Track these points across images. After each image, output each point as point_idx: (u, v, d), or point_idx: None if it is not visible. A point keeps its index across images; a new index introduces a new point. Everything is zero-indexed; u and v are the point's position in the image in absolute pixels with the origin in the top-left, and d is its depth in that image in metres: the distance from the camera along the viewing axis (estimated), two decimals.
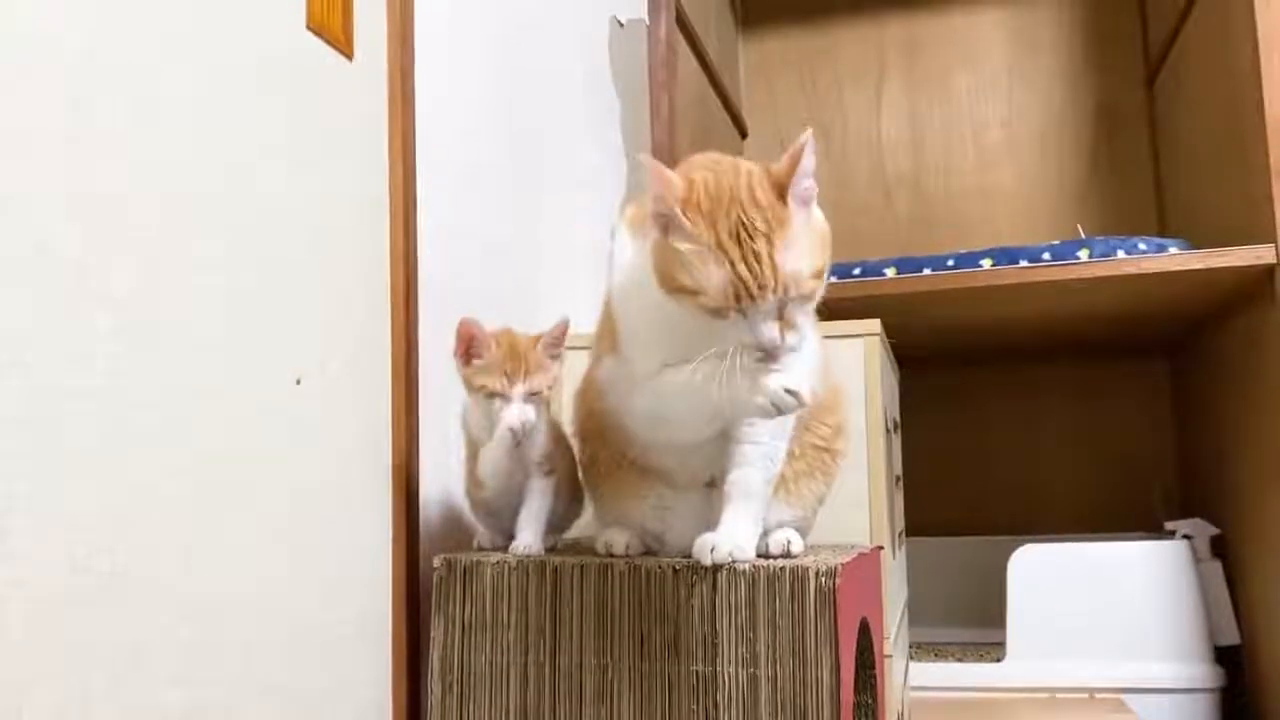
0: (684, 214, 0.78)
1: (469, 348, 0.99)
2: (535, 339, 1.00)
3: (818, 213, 0.83)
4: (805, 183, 0.80)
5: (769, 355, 0.79)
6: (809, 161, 0.80)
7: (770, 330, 0.78)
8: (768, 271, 0.77)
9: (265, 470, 0.84)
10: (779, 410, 0.80)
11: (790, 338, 0.79)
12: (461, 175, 1.23)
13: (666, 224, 0.79)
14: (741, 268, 0.76)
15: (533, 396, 0.97)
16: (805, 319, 0.81)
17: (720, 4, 2.56)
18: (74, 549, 0.65)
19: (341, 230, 0.96)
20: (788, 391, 0.79)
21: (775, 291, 0.77)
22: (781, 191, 0.79)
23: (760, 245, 0.77)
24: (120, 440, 0.69)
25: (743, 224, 0.77)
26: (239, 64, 0.83)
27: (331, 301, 0.94)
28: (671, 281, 0.80)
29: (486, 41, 1.34)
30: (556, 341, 1.02)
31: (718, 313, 0.78)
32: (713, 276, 0.77)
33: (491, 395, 0.97)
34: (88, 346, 0.67)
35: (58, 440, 0.65)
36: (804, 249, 0.79)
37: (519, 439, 0.97)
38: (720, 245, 0.77)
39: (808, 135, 0.80)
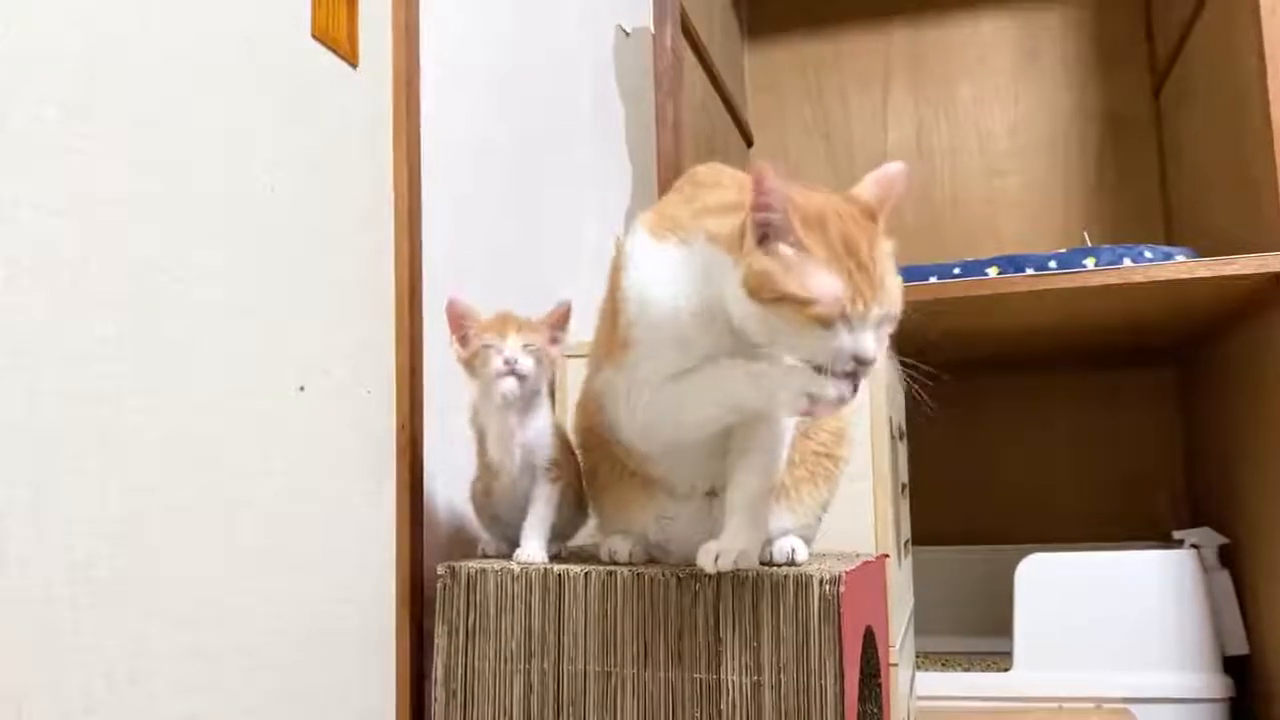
0: (799, 225, 0.76)
1: (461, 326, 1.00)
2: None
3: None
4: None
5: (860, 368, 0.78)
6: (899, 192, 0.81)
7: (869, 341, 0.77)
8: (877, 281, 0.77)
9: (268, 476, 0.84)
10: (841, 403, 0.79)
11: (880, 354, 0.79)
12: (466, 182, 1.23)
13: (769, 234, 0.77)
14: (858, 277, 0.76)
15: (527, 348, 0.97)
16: (887, 341, 0.81)
17: (725, 12, 2.56)
18: (74, 554, 0.65)
19: (346, 236, 0.96)
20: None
21: (881, 304, 0.77)
22: (872, 215, 0.80)
23: (866, 257, 0.77)
24: (121, 445, 0.69)
25: (847, 238, 0.77)
26: (243, 71, 0.83)
27: (335, 307, 0.94)
28: (774, 290, 0.76)
29: (491, 49, 1.34)
30: (559, 322, 1.02)
31: (826, 321, 0.76)
32: (827, 285, 0.76)
33: (486, 349, 0.97)
34: (88, 351, 0.68)
35: (58, 445, 0.65)
36: (894, 269, 0.80)
37: (510, 400, 0.96)
38: (836, 256, 0.76)
39: (903, 167, 0.80)
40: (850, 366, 0.77)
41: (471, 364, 0.99)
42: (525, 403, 0.99)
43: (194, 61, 0.78)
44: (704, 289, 0.82)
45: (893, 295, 0.78)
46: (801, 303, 0.76)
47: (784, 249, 0.76)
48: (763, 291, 0.77)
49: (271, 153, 0.86)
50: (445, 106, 1.17)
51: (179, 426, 0.75)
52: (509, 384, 0.96)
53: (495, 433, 1.00)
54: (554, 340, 1.01)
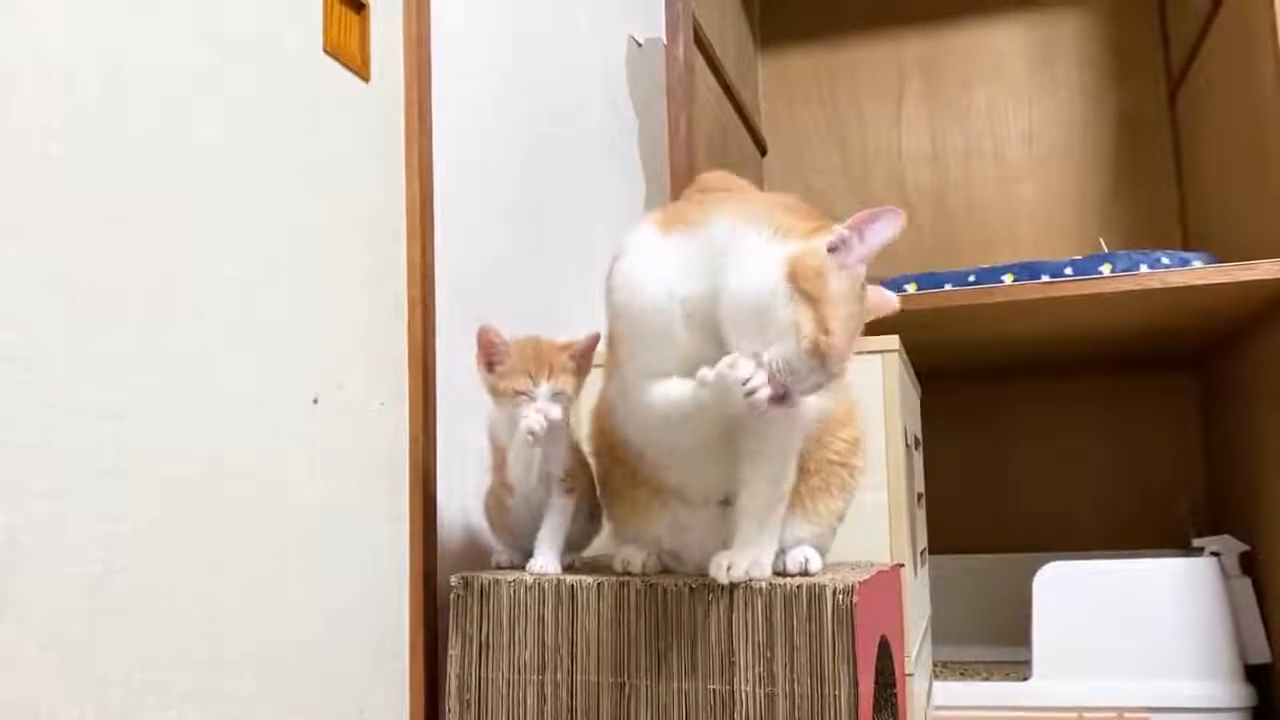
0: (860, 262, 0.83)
1: (490, 354, 1.00)
2: (562, 346, 1.01)
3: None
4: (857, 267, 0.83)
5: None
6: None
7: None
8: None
9: (282, 489, 0.84)
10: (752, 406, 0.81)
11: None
12: (479, 194, 1.24)
13: (841, 247, 0.82)
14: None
15: (557, 397, 0.98)
16: None
17: (738, 22, 2.57)
18: (90, 568, 0.66)
19: (359, 249, 0.97)
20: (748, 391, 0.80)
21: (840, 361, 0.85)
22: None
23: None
24: (136, 460, 0.70)
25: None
26: (256, 86, 0.84)
27: (348, 320, 0.94)
28: (819, 286, 0.81)
29: (503, 61, 1.34)
30: (585, 354, 1.02)
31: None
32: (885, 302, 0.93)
33: (517, 395, 0.98)
34: (102, 367, 0.68)
35: (73, 459, 0.65)
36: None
37: (538, 439, 0.97)
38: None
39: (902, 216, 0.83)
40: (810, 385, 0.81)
41: (497, 391, 1.00)
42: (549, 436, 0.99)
43: (205, 76, 0.79)
44: (704, 277, 0.84)
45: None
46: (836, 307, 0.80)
47: (845, 268, 0.81)
48: (804, 280, 0.80)
49: (283, 167, 0.87)
50: (457, 119, 1.18)
51: (193, 439, 0.75)
52: (536, 423, 0.96)
53: (516, 456, 1.00)
54: (580, 372, 1.02)
